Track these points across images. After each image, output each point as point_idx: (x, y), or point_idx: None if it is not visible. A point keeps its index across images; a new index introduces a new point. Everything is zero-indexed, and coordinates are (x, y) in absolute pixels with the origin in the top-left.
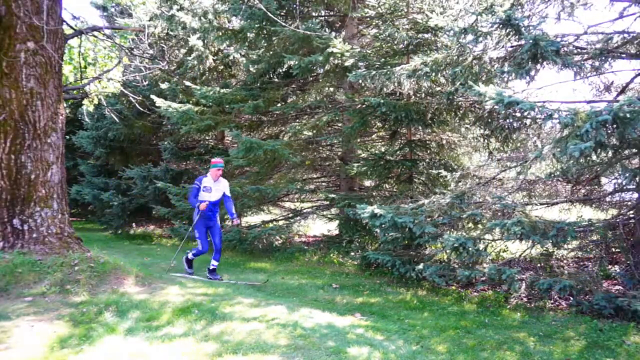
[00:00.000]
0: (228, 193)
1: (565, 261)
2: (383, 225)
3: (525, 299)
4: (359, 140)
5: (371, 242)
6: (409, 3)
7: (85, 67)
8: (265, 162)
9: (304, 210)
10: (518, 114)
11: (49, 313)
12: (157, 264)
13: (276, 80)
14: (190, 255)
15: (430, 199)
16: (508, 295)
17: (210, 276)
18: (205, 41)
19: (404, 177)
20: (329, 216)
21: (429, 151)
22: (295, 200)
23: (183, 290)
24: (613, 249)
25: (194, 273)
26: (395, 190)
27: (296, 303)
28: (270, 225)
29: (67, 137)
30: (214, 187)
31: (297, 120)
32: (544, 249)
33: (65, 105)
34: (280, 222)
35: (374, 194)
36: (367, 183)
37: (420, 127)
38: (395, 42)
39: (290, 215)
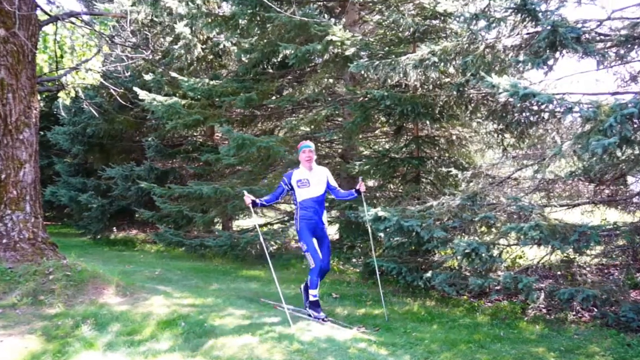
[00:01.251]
0: (333, 183)
1: (588, 268)
2: (388, 230)
3: (544, 310)
4: (360, 136)
5: (375, 248)
6: None
7: (62, 57)
8: (258, 160)
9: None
10: (535, 107)
11: (20, 327)
12: (140, 272)
13: (270, 71)
14: (310, 288)
15: (439, 201)
16: (525, 306)
17: (313, 311)
18: (193, 28)
19: (410, 176)
20: (329, 219)
21: (437, 148)
22: (292, 203)
23: (168, 300)
24: None
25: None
26: (400, 190)
27: (292, 314)
28: (264, 229)
29: (42, 133)
30: (312, 178)
31: (294, 115)
32: (565, 255)
33: (39, 98)
34: (275, 226)
35: (377, 194)
36: (370, 183)
37: (427, 122)
38: (401, 29)
39: (286, 218)
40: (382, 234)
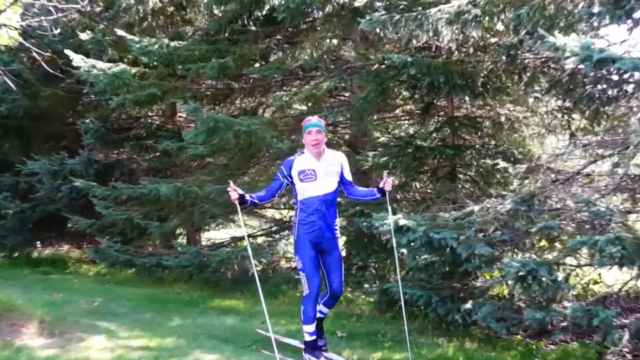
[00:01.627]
0: (349, 176)
1: None
2: (412, 244)
3: (628, 357)
4: (375, 117)
5: (394, 269)
6: None
7: None
8: (236, 150)
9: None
10: (614, 77)
11: None
12: (74, 303)
13: (253, 28)
14: (304, 323)
15: (482, 205)
16: (602, 350)
17: (309, 356)
18: None
19: (442, 171)
20: None
21: (479, 133)
22: (282, 207)
23: (112, 342)
24: None
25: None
26: (429, 191)
27: None
28: (244, 243)
29: None
30: (320, 168)
31: (284, 89)
32: None
33: None
34: (260, 240)
35: (398, 196)
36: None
37: (466, 98)
38: None
39: (274, 228)
40: (404, 250)
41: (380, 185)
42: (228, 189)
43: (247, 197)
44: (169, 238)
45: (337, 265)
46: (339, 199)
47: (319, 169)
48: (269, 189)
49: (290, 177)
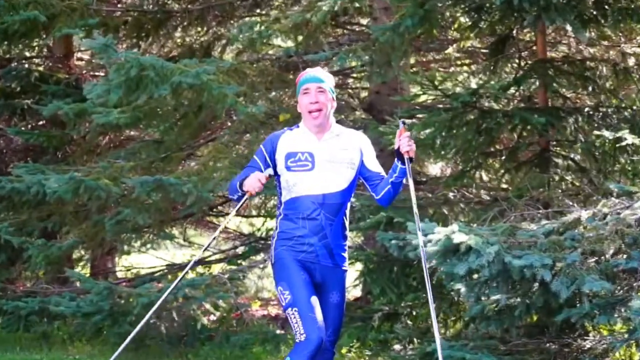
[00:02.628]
0: (375, 163)
1: None
2: (476, 276)
3: None
4: (413, 60)
5: (444, 316)
6: None
7: None
8: (177, 116)
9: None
10: None
11: None
12: None
13: None
14: None
15: (594, 209)
16: None
17: None
18: None
19: (527, 152)
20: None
21: (591, 88)
22: (255, 214)
23: None
24: None
25: None
26: (504, 186)
27: None
28: (191, 275)
29: None
30: (320, 152)
31: (258, 12)
32: None
33: None
34: (216, 269)
35: (450, 195)
36: (433, 169)
37: (568, 27)
38: None
39: (241, 250)
40: (461, 287)
41: (395, 145)
42: (260, 178)
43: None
44: (60, 266)
45: (333, 314)
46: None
47: (320, 153)
48: (244, 174)
49: (274, 162)
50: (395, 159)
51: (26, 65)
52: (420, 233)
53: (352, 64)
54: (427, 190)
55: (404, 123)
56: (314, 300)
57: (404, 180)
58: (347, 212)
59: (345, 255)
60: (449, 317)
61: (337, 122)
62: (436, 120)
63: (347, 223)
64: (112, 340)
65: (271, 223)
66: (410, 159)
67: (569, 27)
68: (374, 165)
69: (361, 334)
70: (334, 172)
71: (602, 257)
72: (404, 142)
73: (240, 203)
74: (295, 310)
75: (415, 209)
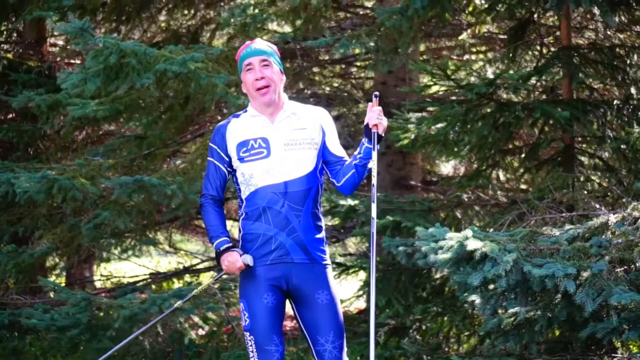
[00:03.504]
0: (336, 144)
1: None
2: (492, 287)
3: None
4: (423, 47)
5: (457, 331)
6: None
7: None
8: (161, 109)
9: None
10: None
11: None
12: None
13: None
14: None
15: (624, 212)
16: None
17: None
18: None
19: (549, 150)
20: (343, 260)
21: (620, 77)
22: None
23: None
24: None
25: None
26: (524, 187)
27: None
28: (177, 285)
29: None
30: (275, 135)
31: None
32: None
33: None
34: (206, 278)
35: (464, 197)
36: (446, 168)
37: (596, 9)
38: None
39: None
40: (475, 298)
41: (366, 120)
42: (240, 266)
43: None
44: (32, 274)
45: (328, 315)
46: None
47: (275, 137)
48: (215, 186)
49: (228, 156)
50: (363, 137)
51: None
52: (374, 205)
53: (355, 51)
54: (439, 192)
55: (376, 96)
56: (274, 328)
57: (370, 164)
58: (319, 198)
59: (324, 248)
60: (462, 332)
61: (339, 115)
62: (449, 114)
63: (319, 211)
64: (89, 357)
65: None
66: (379, 137)
67: (596, 11)
68: (335, 148)
69: (365, 351)
70: (294, 155)
71: (632, 266)
72: (372, 114)
73: (217, 277)
74: (252, 339)
75: (374, 180)
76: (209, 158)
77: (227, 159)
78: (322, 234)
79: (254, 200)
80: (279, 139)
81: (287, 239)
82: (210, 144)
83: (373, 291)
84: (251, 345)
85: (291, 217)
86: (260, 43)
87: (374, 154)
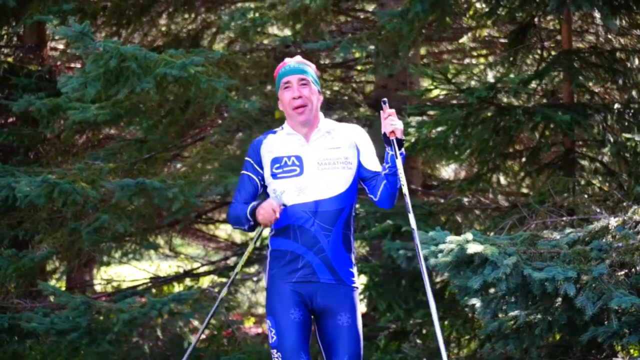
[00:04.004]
0: (373, 161)
1: None
2: (492, 290)
3: None
4: (423, 51)
5: (457, 334)
6: None
7: None
8: (162, 113)
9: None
10: None
11: None
12: None
13: None
14: None
15: (624, 216)
16: None
17: None
18: None
19: (549, 154)
20: None
21: (621, 81)
22: None
23: None
24: None
25: None
26: (524, 191)
27: None
28: (177, 289)
29: None
30: (309, 154)
31: None
32: None
33: None
34: (205, 281)
35: (464, 201)
36: (446, 171)
37: (596, 13)
38: None
39: (233, 261)
40: (476, 302)
41: (383, 129)
42: (275, 208)
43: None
44: (32, 278)
45: (347, 338)
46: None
47: (309, 155)
48: (244, 199)
49: (262, 171)
50: (386, 147)
51: None
52: (412, 216)
53: (355, 55)
54: (439, 195)
55: (384, 102)
56: (301, 345)
57: (397, 171)
58: (352, 220)
59: (353, 270)
60: (462, 336)
61: (340, 119)
62: (449, 118)
63: (351, 233)
64: None
65: (266, 231)
66: (399, 142)
67: (597, 14)
68: (371, 164)
69: (365, 355)
70: (327, 175)
71: (632, 270)
72: (386, 122)
73: (257, 237)
74: (279, 356)
75: (405, 190)
76: (242, 171)
77: (260, 171)
78: (352, 256)
79: (284, 217)
80: (312, 157)
81: (315, 258)
82: (247, 158)
83: (434, 314)
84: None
85: (320, 237)
86: (300, 61)
87: (399, 162)
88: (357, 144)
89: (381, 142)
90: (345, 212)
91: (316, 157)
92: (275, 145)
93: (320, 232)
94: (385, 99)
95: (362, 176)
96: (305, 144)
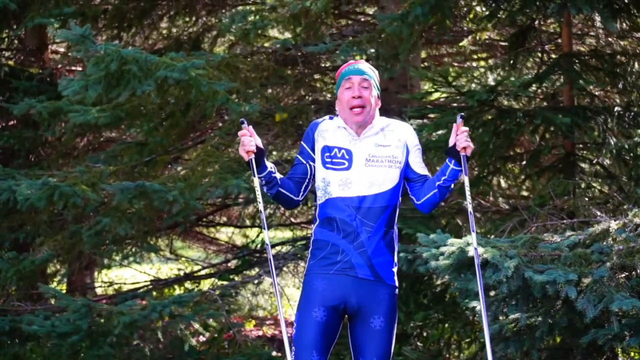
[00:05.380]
0: (420, 164)
1: None
2: (493, 293)
3: None
4: (424, 54)
5: (458, 337)
6: None
7: None
8: (162, 115)
9: (272, 250)
10: None
11: None
12: None
13: None
14: None
15: (625, 219)
16: None
17: None
18: None
19: (550, 156)
20: None
21: (621, 84)
22: (249, 225)
23: None
24: None
25: None
26: (525, 193)
27: None
28: (177, 292)
29: None
30: (359, 149)
31: (252, 0)
32: None
33: None
34: (207, 283)
35: (466, 203)
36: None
37: (597, 16)
38: None
39: (233, 264)
40: (476, 305)
41: (451, 142)
42: (241, 131)
43: (267, 162)
44: (33, 281)
45: (377, 341)
46: None
47: (359, 151)
48: (289, 175)
49: (313, 155)
50: (447, 159)
51: None
52: (474, 235)
53: (356, 58)
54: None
55: (462, 117)
56: (317, 344)
57: (452, 185)
58: (395, 219)
59: (394, 270)
60: (463, 339)
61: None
62: (450, 121)
63: (394, 232)
64: None
65: (271, 234)
66: (467, 158)
67: (597, 17)
68: (418, 166)
69: None
70: (374, 172)
71: (633, 273)
72: (461, 137)
73: (253, 171)
74: (293, 349)
75: (470, 208)
76: (298, 155)
77: (313, 155)
78: (394, 255)
79: (328, 209)
80: (361, 153)
81: (354, 253)
82: (301, 141)
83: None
84: (292, 357)
85: (361, 232)
86: (364, 64)
87: (466, 179)
88: (408, 144)
89: None
90: (389, 210)
91: (365, 153)
92: (329, 132)
93: (362, 227)
94: (463, 114)
95: (407, 176)
96: (356, 139)
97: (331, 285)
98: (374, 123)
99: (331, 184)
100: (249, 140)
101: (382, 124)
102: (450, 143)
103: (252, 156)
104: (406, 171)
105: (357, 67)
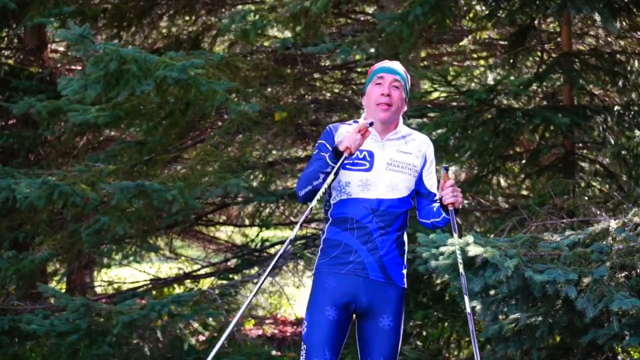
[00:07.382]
0: (432, 180)
1: None
2: (493, 292)
3: None
4: (424, 54)
5: (457, 337)
6: None
7: None
8: (162, 115)
9: (271, 249)
10: None
11: None
12: None
13: None
14: None
15: (624, 218)
16: None
17: None
18: None
19: (550, 156)
20: None
21: (621, 83)
22: (247, 224)
23: None
24: None
25: None
26: (525, 193)
27: None
28: (177, 291)
29: None
30: (381, 152)
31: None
32: None
33: None
34: (206, 283)
35: (466, 203)
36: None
37: (597, 16)
38: None
39: (233, 262)
40: (476, 304)
41: (437, 195)
42: (363, 130)
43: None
44: (32, 280)
45: (384, 342)
46: None
47: (381, 154)
48: (308, 170)
49: (324, 156)
50: (440, 208)
51: None
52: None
53: (356, 57)
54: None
55: (446, 169)
56: (329, 342)
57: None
58: (406, 224)
59: (404, 272)
60: (462, 338)
61: (339, 121)
62: (449, 120)
63: (404, 237)
64: None
65: (266, 233)
66: (456, 210)
67: (597, 17)
68: (430, 181)
69: None
70: (394, 177)
71: (633, 272)
72: (447, 192)
73: (338, 165)
74: (304, 348)
75: (461, 269)
76: (316, 149)
77: (333, 151)
78: (404, 258)
79: (344, 208)
80: (384, 157)
81: (367, 255)
82: (320, 140)
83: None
84: (302, 355)
85: (376, 234)
86: (399, 66)
87: (455, 235)
88: (427, 156)
89: None
90: (403, 216)
91: (387, 157)
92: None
93: (377, 230)
94: (446, 166)
95: (417, 188)
96: (379, 142)
97: (342, 284)
98: (399, 129)
99: (351, 184)
100: (363, 140)
101: (405, 132)
102: (438, 196)
103: (349, 154)
104: (418, 182)
105: (390, 67)
